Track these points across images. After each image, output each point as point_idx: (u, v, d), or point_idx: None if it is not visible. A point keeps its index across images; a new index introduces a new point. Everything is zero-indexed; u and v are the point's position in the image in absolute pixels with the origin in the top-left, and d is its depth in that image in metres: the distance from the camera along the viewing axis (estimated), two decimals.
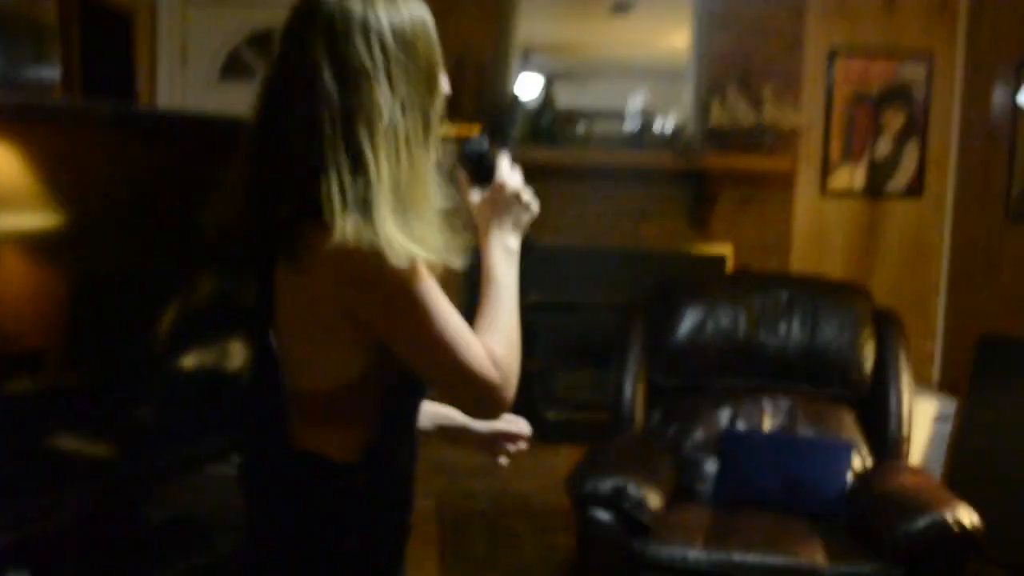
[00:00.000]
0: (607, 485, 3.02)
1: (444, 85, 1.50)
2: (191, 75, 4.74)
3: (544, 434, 4.75)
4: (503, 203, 1.59)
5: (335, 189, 1.32)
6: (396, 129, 1.38)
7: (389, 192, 1.35)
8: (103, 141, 2.37)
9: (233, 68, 4.81)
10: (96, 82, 3.26)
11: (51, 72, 3.02)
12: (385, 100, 1.37)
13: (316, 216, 1.33)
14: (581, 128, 4.78)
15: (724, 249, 4.98)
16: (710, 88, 4.81)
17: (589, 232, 4.93)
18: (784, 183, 4.94)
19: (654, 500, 3.05)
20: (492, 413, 1.49)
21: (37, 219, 2.28)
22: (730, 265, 4.97)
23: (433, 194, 1.43)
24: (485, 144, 1.61)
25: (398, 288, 1.35)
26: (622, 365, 3.66)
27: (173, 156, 2.59)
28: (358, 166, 1.34)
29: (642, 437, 3.55)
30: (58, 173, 2.24)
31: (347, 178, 1.33)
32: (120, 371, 2.54)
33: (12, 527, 2.25)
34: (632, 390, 3.64)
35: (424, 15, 1.45)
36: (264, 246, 1.43)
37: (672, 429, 3.55)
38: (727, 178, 4.85)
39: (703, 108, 4.81)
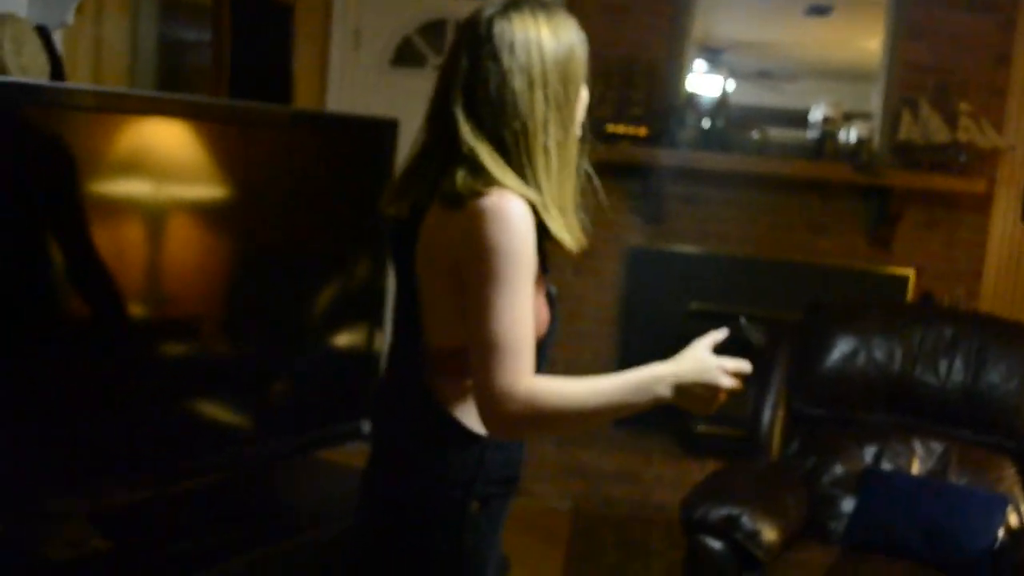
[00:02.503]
0: (720, 513, 2.86)
1: (584, 96, 1.67)
2: (363, 60, 4.82)
3: (691, 448, 4.60)
4: (703, 375, 1.56)
5: (500, 160, 1.54)
6: (547, 130, 1.56)
7: (555, 181, 1.57)
8: (270, 135, 2.58)
9: (404, 55, 4.87)
10: (250, 66, 3.35)
11: (203, 54, 3.15)
12: (539, 106, 1.56)
13: (477, 173, 1.52)
14: (756, 134, 4.57)
15: (906, 271, 4.67)
16: (901, 99, 4.50)
17: (759, 243, 4.72)
18: (979, 207, 4.58)
19: (770, 534, 2.87)
20: (484, 417, 1.50)
21: (207, 192, 2.46)
22: (912, 288, 4.65)
23: (570, 191, 1.61)
24: (755, 336, 1.59)
25: (497, 253, 1.47)
26: (764, 388, 3.48)
27: (336, 149, 2.78)
28: (537, 154, 1.55)
29: (775, 466, 3.35)
30: (229, 155, 2.45)
31: (519, 157, 1.55)
32: (272, 344, 2.67)
33: (150, 485, 2.38)
34: (771, 415, 3.45)
35: (577, 39, 1.63)
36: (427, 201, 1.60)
37: (810, 461, 3.34)
38: (913, 197, 4.54)
39: (892, 120, 4.51)
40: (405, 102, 4.84)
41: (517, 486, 1.70)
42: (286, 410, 2.76)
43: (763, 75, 4.75)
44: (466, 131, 1.55)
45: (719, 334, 1.62)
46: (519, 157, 1.55)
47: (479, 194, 1.50)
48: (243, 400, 2.64)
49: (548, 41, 1.57)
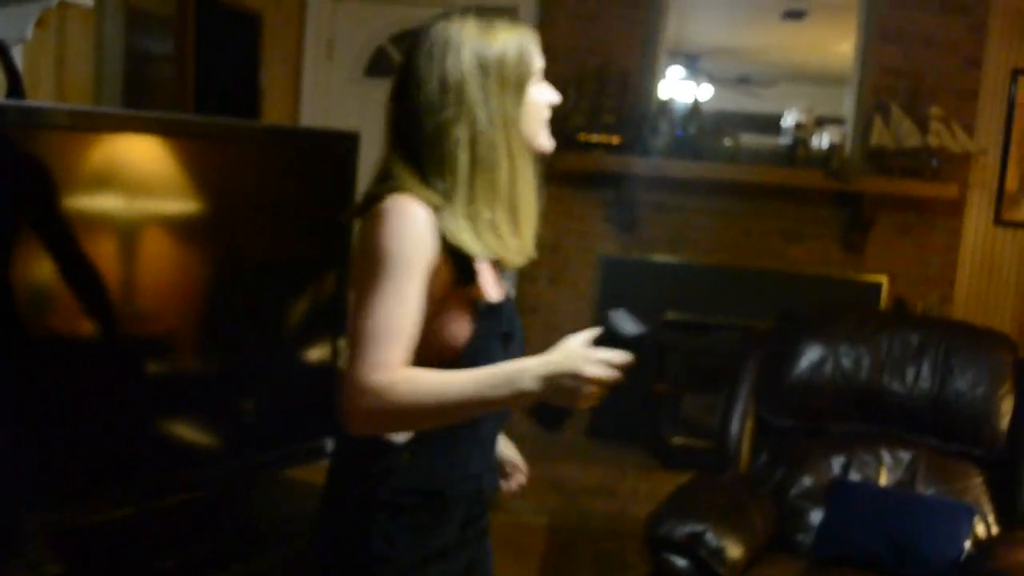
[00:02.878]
0: (684, 530, 2.84)
1: (542, 95, 1.65)
2: (336, 70, 4.80)
3: (667, 460, 4.59)
4: (568, 365, 1.45)
5: (411, 167, 1.55)
6: (458, 133, 1.55)
7: (465, 185, 1.55)
8: (232, 150, 2.58)
9: (378, 65, 4.85)
10: (216, 78, 3.33)
11: (166, 67, 3.12)
12: (450, 109, 1.55)
13: (385, 180, 1.56)
14: (728, 142, 4.56)
15: (879, 278, 4.67)
16: (873, 104, 4.50)
17: (732, 251, 4.71)
18: (951, 211, 4.58)
19: (735, 550, 2.85)
20: (340, 408, 1.48)
21: (181, 207, 2.45)
22: (885, 295, 4.65)
23: (488, 196, 1.57)
24: (628, 326, 1.49)
25: (376, 251, 1.49)
26: (732, 399, 3.46)
27: (298, 163, 2.77)
28: (445, 158, 1.55)
29: (743, 478, 3.34)
30: (191, 170, 2.44)
31: (429, 163, 1.55)
32: (246, 360, 2.66)
33: (119, 504, 2.36)
34: (740, 427, 3.43)
35: (514, 43, 1.61)
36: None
37: (779, 472, 3.32)
38: (886, 202, 4.53)
39: (864, 125, 4.50)
40: (380, 112, 4.84)
41: (454, 502, 1.67)
42: (253, 427, 2.74)
43: (742, 80, 4.74)
44: (390, 139, 1.61)
45: (595, 330, 1.54)
46: (431, 162, 1.56)
47: (379, 199, 1.53)
48: (211, 417, 2.63)
49: (474, 43, 1.57)
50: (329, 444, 2.86)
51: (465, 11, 1.62)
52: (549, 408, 1.48)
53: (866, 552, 3.08)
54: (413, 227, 1.50)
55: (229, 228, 2.58)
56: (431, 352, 1.54)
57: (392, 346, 1.46)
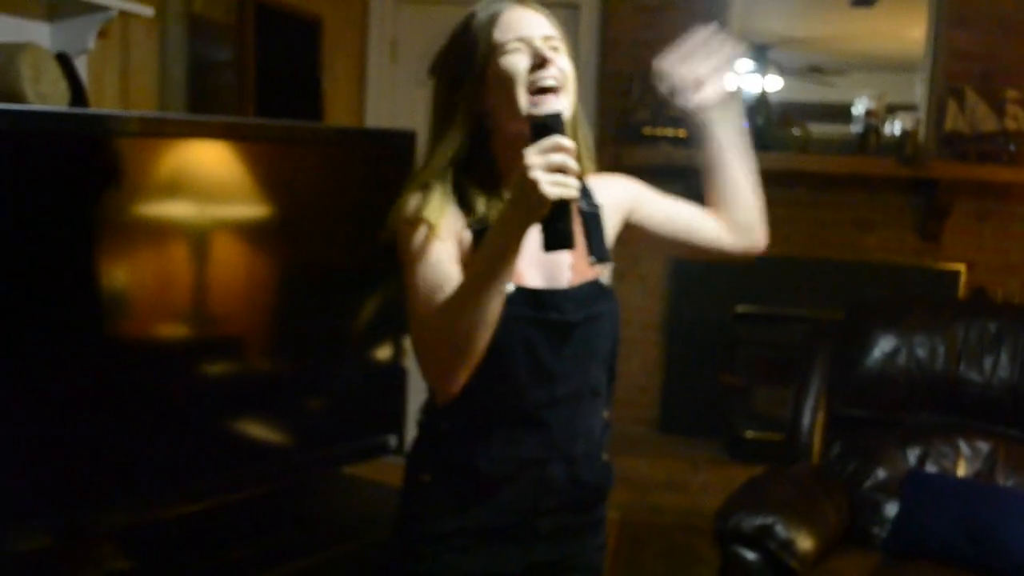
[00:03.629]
0: (753, 522, 2.79)
1: (509, 63, 1.61)
2: (401, 72, 4.83)
3: (738, 453, 4.52)
4: (520, 170, 1.39)
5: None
6: (435, 108, 1.68)
7: (435, 166, 1.63)
8: (293, 153, 2.63)
9: None
10: (278, 83, 3.37)
11: (227, 73, 3.17)
12: (444, 89, 1.67)
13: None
14: (797, 131, 4.48)
15: (957, 266, 4.55)
16: (947, 89, 4.39)
17: (803, 241, 4.63)
18: None
19: (805, 542, 2.79)
20: (419, 362, 1.55)
21: (249, 211, 2.51)
22: (963, 284, 4.53)
23: (438, 163, 1.64)
24: (553, 120, 1.43)
25: (401, 241, 1.61)
26: (803, 391, 3.40)
27: (358, 164, 2.81)
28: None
29: (814, 471, 3.27)
30: (270, 175, 2.52)
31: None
32: (313, 360, 2.71)
33: (191, 499, 2.42)
34: (811, 419, 3.36)
35: (481, 13, 1.66)
36: None
37: (852, 465, 3.25)
38: (962, 188, 4.41)
39: (938, 111, 4.40)
40: None
41: (496, 483, 1.65)
42: (320, 426, 2.77)
43: (812, 70, 4.66)
44: None
45: None
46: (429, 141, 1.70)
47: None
48: (279, 416, 2.66)
49: (458, 25, 1.69)
50: (392, 440, 2.88)
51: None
52: (545, 225, 1.40)
53: (943, 545, 3.00)
54: (406, 206, 1.62)
55: (294, 229, 2.61)
56: None
57: (433, 297, 1.53)
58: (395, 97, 4.83)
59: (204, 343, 2.45)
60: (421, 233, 1.57)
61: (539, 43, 1.61)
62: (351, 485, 2.97)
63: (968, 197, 4.45)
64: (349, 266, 2.82)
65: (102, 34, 2.90)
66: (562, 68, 1.62)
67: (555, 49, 1.63)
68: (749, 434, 4.56)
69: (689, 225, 1.85)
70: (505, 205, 1.43)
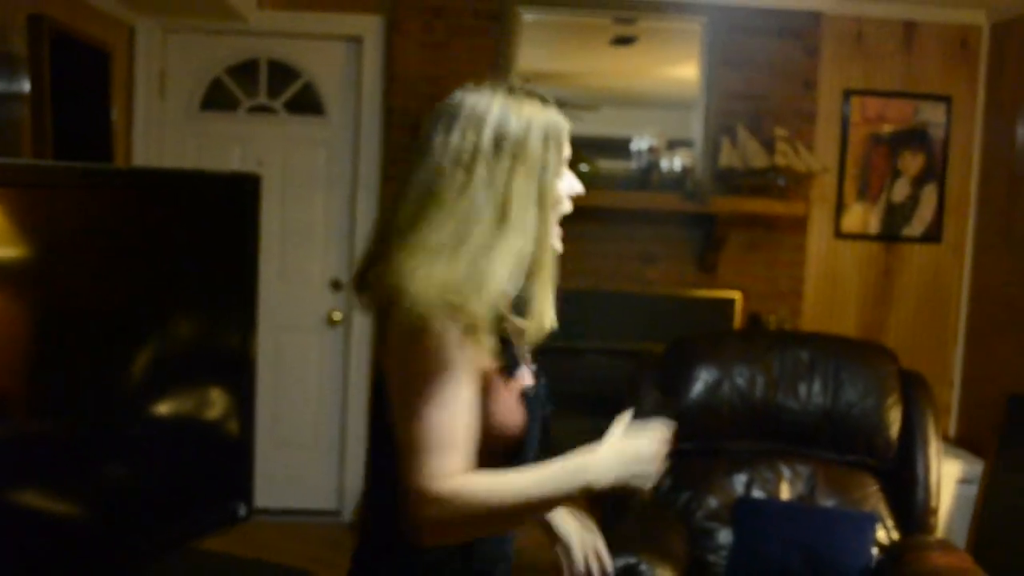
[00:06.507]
0: (618, 563, 2.79)
1: (565, 184, 1.54)
2: (170, 106, 4.53)
3: None
4: (635, 446, 1.50)
5: (426, 243, 1.42)
6: (480, 211, 1.43)
7: (465, 263, 1.40)
8: (73, 194, 2.18)
9: (215, 98, 4.59)
10: (70, 114, 3.05)
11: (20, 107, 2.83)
12: (480, 184, 1.44)
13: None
14: (585, 167, 4.56)
15: (732, 294, 4.78)
16: (720, 127, 4.61)
17: (591, 275, 4.71)
18: (797, 227, 4.74)
19: None
20: (408, 522, 1.39)
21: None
22: (739, 310, 4.76)
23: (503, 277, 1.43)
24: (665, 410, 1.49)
25: (421, 368, 1.38)
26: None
27: (146, 207, 2.41)
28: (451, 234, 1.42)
29: (651, 505, 3.32)
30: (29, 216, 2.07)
31: (439, 240, 1.41)
32: (93, 418, 2.33)
33: None
34: None
35: (541, 119, 1.50)
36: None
37: (684, 496, 3.33)
38: (737, 221, 4.64)
39: (713, 147, 4.61)
40: (218, 147, 4.59)
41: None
42: (154, 500, 2.49)
43: (560, 104, 4.74)
44: (397, 211, 1.55)
45: (625, 416, 1.58)
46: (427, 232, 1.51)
47: (404, 311, 1.49)
48: (75, 483, 2.35)
49: (496, 118, 1.48)
50: (241, 509, 2.65)
51: (497, 85, 1.53)
52: (618, 496, 1.49)
53: (778, 567, 3.12)
54: (449, 336, 1.40)
55: (106, 280, 2.32)
56: (496, 443, 1.48)
57: (452, 453, 1.38)
58: (164, 131, 4.52)
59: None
60: (453, 369, 1.40)
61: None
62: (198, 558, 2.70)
63: (741, 229, 4.69)
64: (179, 316, 2.56)
65: None
66: None
67: None
68: None
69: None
70: (595, 462, 1.46)
